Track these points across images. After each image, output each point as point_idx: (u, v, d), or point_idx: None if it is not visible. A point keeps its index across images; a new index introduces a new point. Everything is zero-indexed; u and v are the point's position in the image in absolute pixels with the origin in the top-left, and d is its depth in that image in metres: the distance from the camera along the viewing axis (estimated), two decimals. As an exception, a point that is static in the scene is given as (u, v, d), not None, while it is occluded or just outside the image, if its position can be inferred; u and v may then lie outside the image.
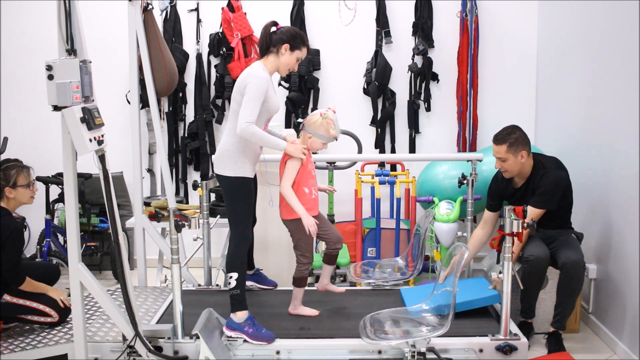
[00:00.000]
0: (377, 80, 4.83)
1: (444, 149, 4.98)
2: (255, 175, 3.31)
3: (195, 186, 4.02)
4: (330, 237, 3.37)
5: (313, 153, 3.52)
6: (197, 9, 4.89)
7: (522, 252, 3.45)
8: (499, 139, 3.54)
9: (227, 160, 3.16)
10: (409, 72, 4.87)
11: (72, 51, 2.54)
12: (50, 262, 4.38)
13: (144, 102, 4.25)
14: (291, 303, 3.45)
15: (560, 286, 3.45)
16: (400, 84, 4.93)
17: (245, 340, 3.10)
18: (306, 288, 3.51)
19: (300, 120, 3.37)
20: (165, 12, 4.82)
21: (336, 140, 3.32)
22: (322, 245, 4.40)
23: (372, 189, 4.67)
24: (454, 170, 4.36)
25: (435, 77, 4.89)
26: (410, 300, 3.46)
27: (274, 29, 3.18)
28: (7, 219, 3.31)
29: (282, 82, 4.84)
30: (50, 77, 2.48)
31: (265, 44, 3.18)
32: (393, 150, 4.98)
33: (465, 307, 3.35)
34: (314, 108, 4.89)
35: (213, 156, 3.29)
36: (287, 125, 4.87)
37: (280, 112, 4.80)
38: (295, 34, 3.19)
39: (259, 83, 3.05)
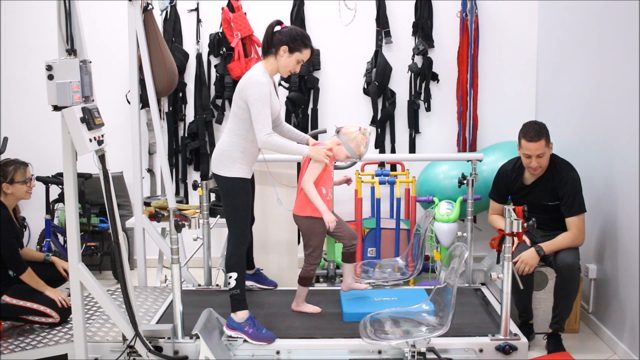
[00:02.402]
0: (377, 80, 4.83)
1: (444, 149, 4.98)
2: (253, 175, 3.31)
3: (195, 186, 4.02)
4: (344, 235, 3.39)
5: None
6: (197, 9, 4.89)
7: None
8: (534, 135, 3.40)
9: (225, 161, 3.15)
10: (409, 72, 4.87)
11: (72, 51, 2.54)
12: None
13: (144, 102, 4.25)
14: (295, 300, 3.47)
15: (557, 288, 3.45)
16: (400, 84, 4.93)
17: (245, 340, 3.10)
18: (310, 288, 3.52)
19: (338, 125, 3.32)
20: (165, 12, 4.82)
21: (359, 160, 3.37)
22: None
23: (372, 189, 4.67)
24: (454, 170, 4.36)
25: (435, 77, 4.89)
26: (348, 306, 3.44)
27: (277, 28, 3.13)
28: None
29: (282, 82, 4.84)
30: (50, 77, 2.49)
31: (267, 44, 3.15)
32: (393, 150, 4.98)
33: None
34: (314, 108, 4.90)
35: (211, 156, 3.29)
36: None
37: (281, 112, 4.79)
38: (295, 35, 3.12)
39: (261, 91, 3.03)
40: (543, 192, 3.55)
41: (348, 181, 3.66)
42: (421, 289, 3.77)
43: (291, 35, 3.11)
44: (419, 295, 3.58)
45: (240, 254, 3.20)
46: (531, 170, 3.53)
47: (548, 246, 3.42)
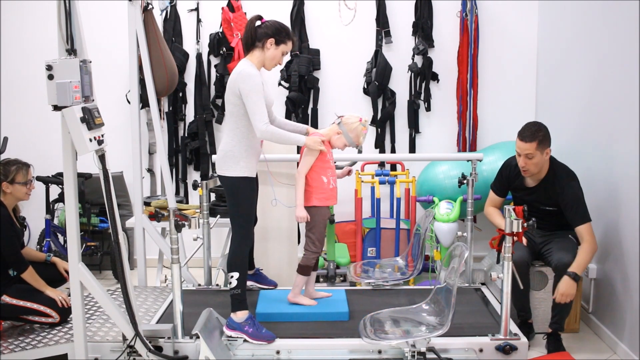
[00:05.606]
0: (377, 80, 4.83)
1: (444, 149, 4.98)
2: (257, 174, 3.31)
3: (195, 186, 4.02)
4: (313, 239, 3.36)
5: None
6: (197, 9, 4.90)
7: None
8: (526, 136, 3.41)
9: (229, 161, 3.15)
10: (409, 72, 4.87)
11: (72, 51, 2.55)
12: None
13: (144, 102, 4.25)
14: (291, 291, 3.46)
15: (555, 288, 3.44)
16: (400, 83, 4.93)
17: (245, 340, 3.10)
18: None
19: (338, 114, 3.37)
20: (165, 12, 4.82)
21: (357, 148, 3.42)
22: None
23: (372, 188, 4.68)
24: (454, 170, 4.37)
25: (435, 77, 4.89)
26: (262, 306, 3.42)
27: (258, 23, 3.17)
28: None
29: (282, 82, 4.84)
30: (51, 77, 2.49)
31: (251, 39, 3.16)
32: (393, 150, 4.98)
33: (312, 318, 3.35)
34: (314, 108, 4.90)
35: (214, 157, 3.29)
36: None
37: (281, 112, 4.80)
38: (280, 27, 3.17)
39: (253, 82, 3.05)
40: (542, 197, 3.54)
41: (350, 172, 3.68)
42: (341, 289, 3.76)
43: (276, 28, 3.16)
44: (337, 295, 3.59)
45: (243, 254, 3.20)
46: (521, 171, 3.53)
47: (576, 268, 3.30)
